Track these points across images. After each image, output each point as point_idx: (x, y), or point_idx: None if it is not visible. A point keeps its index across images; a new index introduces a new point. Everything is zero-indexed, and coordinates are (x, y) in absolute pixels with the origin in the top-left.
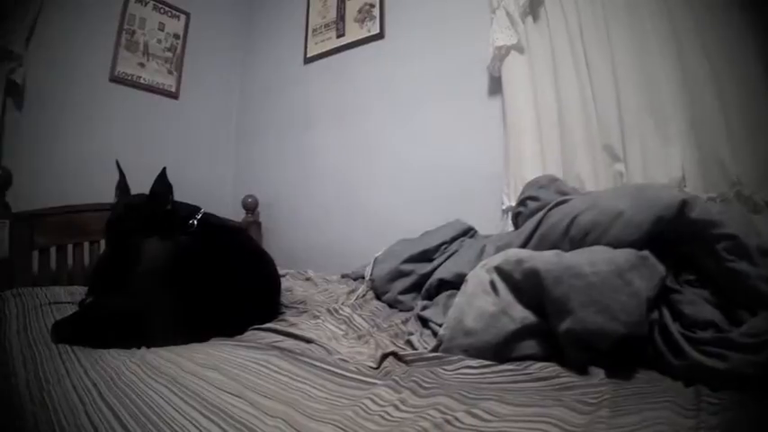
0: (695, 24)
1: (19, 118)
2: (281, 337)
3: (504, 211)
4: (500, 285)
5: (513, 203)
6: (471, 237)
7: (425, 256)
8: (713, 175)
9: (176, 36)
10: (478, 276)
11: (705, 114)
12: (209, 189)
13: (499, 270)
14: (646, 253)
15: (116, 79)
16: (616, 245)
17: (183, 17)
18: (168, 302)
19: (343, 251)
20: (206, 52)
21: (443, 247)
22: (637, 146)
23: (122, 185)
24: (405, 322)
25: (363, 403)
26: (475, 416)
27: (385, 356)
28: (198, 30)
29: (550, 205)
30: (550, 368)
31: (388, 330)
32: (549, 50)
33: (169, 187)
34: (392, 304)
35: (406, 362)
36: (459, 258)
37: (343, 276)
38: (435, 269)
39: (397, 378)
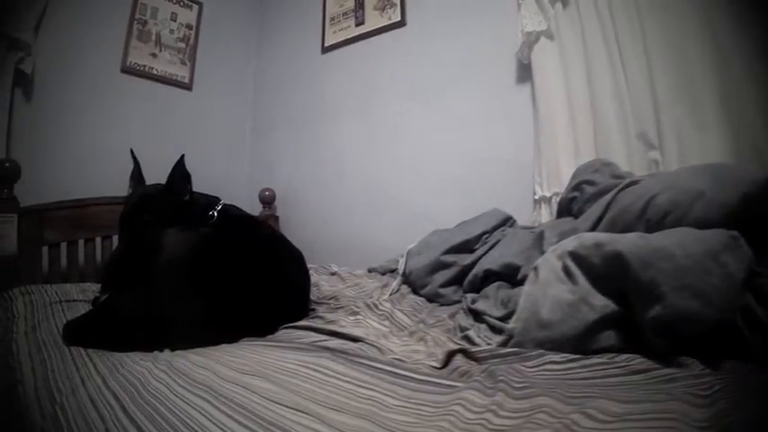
0: (731, 9)
1: (28, 109)
2: (323, 336)
3: (536, 200)
4: (576, 272)
5: (547, 193)
6: (511, 226)
7: (467, 247)
8: (750, 165)
9: (189, 26)
10: (550, 263)
11: (742, 102)
12: (225, 182)
13: (574, 255)
14: (736, 233)
15: (128, 70)
16: (698, 226)
17: (195, 7)
18: (193, 299)
19: (365, 244)
20: (219, 42)
21: (485, 236)
22: (672, 134)
23: (137, 175)
24: (452, 317)
25: (454, 411)
26: (591, 417)
27: (451, 354)
28: (211, 20)
29: (620, 187)
30: (638, 359)
31: (436, 326)
32: (580, 36)
33: (187, 176)
34: (432, 298)
35: (476, 359)
36: (504, 248)
37: (370, 270)
38: (477, 260)
39: (479, 378)
